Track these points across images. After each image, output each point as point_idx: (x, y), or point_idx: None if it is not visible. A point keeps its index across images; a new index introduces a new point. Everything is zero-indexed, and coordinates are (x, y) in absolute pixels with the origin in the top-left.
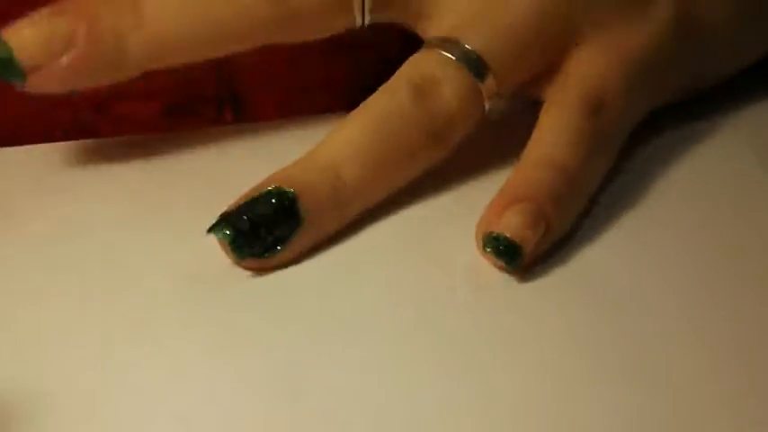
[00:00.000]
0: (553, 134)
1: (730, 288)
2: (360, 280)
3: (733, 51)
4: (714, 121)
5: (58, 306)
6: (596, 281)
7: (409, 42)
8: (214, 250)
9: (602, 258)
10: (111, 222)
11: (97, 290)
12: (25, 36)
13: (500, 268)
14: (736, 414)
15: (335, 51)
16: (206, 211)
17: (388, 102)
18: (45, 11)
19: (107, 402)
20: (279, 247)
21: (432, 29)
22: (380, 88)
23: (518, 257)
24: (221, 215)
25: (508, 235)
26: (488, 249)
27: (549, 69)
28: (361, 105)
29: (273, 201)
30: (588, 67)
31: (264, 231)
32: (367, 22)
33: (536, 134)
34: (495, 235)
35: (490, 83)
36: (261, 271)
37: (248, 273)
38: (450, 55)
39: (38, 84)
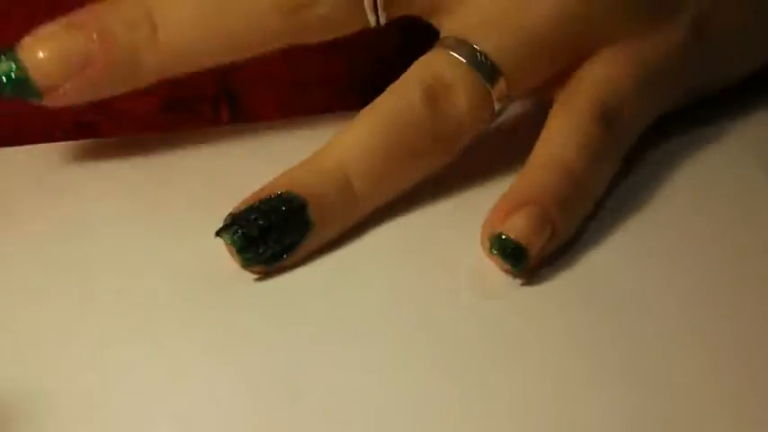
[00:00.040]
0: (562, 137)
1: (733, 291)
2: (362, 282)
3: (743, 56)
4: (719, 125)
5: (58, 306)
6: (601, 284)
7: (408, 41)
8: (214, 250)
9: (606, 262)
10: (111, 222)
11: (97, 290)
12: (40, 55)
13: (505, 271)
14: (737, 415)
15: (333, 50)
16: (206, 212)
17: (397, 103)
18: (58, 25)
19: (107, 402)
20: (286, 256)
21: (448, 24)
22: (390, 89)
23: (524, 260)
24: (229, 217)
25: (514, 237)
26: (495, 251)
27: (561, 73)
28: (370, 106)
29: (284, 208)
30: (601, 73)
31: (273, 239)
32: (383, 21)
33: (544, 136)
34: (502, 237)
35: (501, 87)
36: (264, 274)
37: (250, 273)
38: (461, 58)
39: (54, 100)
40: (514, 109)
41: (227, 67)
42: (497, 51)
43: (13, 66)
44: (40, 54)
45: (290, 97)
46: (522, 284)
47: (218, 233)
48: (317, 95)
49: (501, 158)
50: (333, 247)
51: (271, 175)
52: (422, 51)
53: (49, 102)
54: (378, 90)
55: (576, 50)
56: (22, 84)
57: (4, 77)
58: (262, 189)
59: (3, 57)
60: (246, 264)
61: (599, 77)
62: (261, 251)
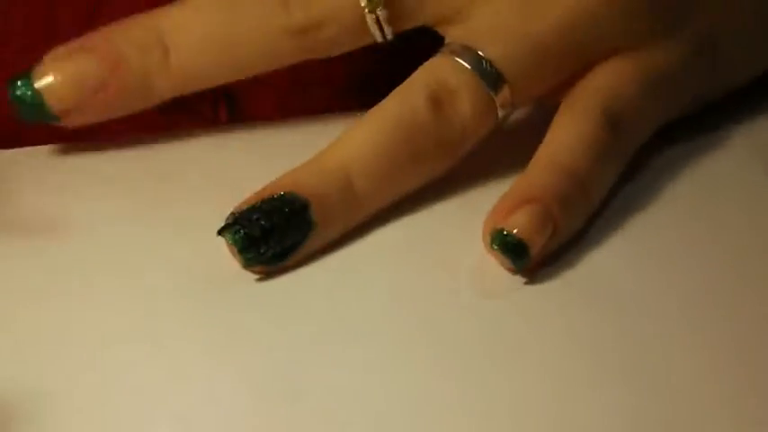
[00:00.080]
0: (567, 138)
1: (733, 293)
2: (363, 281)
3: (749, 61)
4: (721, 129)
5: (58, 306)
6: (602, 285)
7: (408, 41)
8: (215, 250)
9: (607, 262)
10: (111, 222)
11: (97, 289)
12: (54, 81)
13: (506, 268)
14: (737, 415)
15: None
16: (207, 211)
17: (401, 107)
18: (71, 48)
19: (107, 402)
20: (287, 256)
21: (454, 31)
22: (394, 92)
23: (525, 257)
24: (231, 216)
25: (515, 233)
26: (496, 246)
27: (566, 81)
28: (374, 108)
29: (286, 208)
30: (607, 79)
31: (275, 240)
32: (389, 36)
33: (549, 137)
34: (503, 232)
35: (505, 94)
36: (265, 274)
37: (251, 273)
38: (466, 64)
39: (72, 121)
40: (519, 110)
41: None
42: (502, 59)
43: (29, 92)
44: (54, 79)
45: (289, 97)
46: (524, 284)
47: (219, 232)
48: (316, 96)
49: (504, 159)
50: (334, 246)
51: (271, 174)
52: (422, 52)
53: (68, 123)
54: (377, 91)
55: (582, 60)
56: (38, 109)
57: (20, 104)
58: (264, 189)
59: (18, 83)
60: (248, 264)
61: (605, 82)
62: (262, 251)
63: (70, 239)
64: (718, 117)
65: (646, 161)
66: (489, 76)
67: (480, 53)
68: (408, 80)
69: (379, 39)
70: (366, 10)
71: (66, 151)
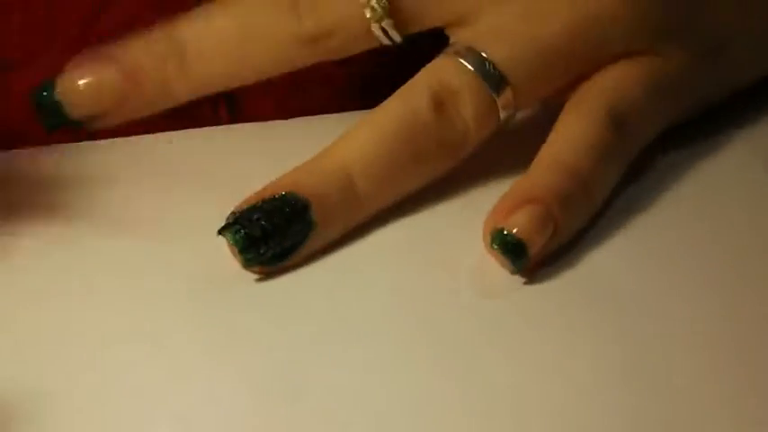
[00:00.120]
0: (571, 138)
1: (733, 293)
2: (364, 281)
3: (755, 63)
4: (722, 130)
5: (58, 306)
6: (602, 285)
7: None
8: (215, 250)
9: (608, 262)
10: (111, 222)
11: (97, 290)
12: (76, 90)
13: (506, 267)
14: (737, 415)
15: None
16: (207, 211)
17: (404, 108)
18: (91, 58)
19: (107, 402)
20: (287, 257)
21: (460, 33)
22: (397, 93)
23: (524, 257)
24: (232, 215)
25: (515, 233)
26: (495, 246)
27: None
28: (376, 109)
29: (287, 209)
30: (613, 80)
31: (275, 241)
32: (398, 40)
33: (553, 137)
34: (503, 232)
35: (507, 96)
36: (265, 274)
37: (251, 273)
38: (469, 65)
39: (95, 126)
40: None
41: None
42: (506, 61)
43: (52, 99)
44: (76, 88)
45: (289, 98)
46: (524, 284)
47: (220, 232)
48: (316, 96)
49: (506, 159)
50: (334, 246)
51: (271, 174)
52: (423, 53)
53: (90, 128)
54: (377, 92)
55: (586, 64)
56: (60, 115)
57: (44, 111)
58: (265, 188)
59: (41, 91)
60: (247, 264)
61: (611, 83)
62: (262, 252)
63: (70, 239)
64: (718, 117)
65: (645, 161)
66: (492, 78)
67: (484, 55)
68: (411, 81)
69: (388, 43)
70: (371, 21)
71: (66, 151)
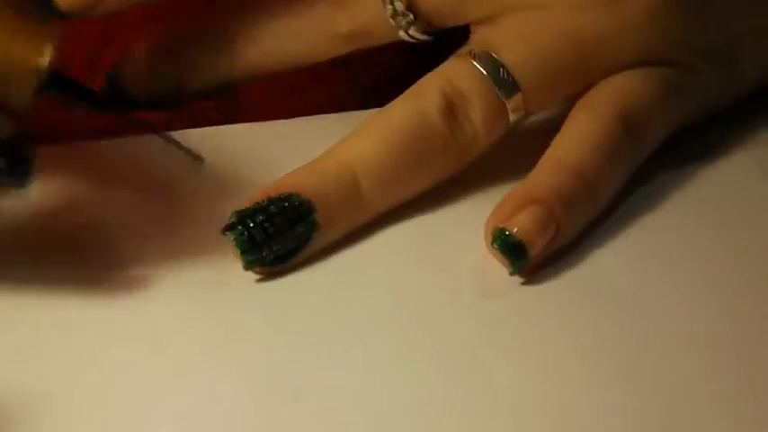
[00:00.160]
0: (580, 140)
1: (734, 294)
2: (364, 281)
3: (764, 69)
4: (721, 133)
5: (58, 306)
6: (603, 285)
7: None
8: (215, 250)
9: (609, 263)
10: (111, 222)
11: (97, 289)
12: None
13: (506, 267)
14: (737, 415)
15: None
16: (207, 211)
17: (413, 110)
18: None
19: (107, 402)
20: (289, 258)
21: (478, 30)
22: (406, 93)
23: (524, 258)
24: (235, 214)
25: (516, 234)
26: (496, 246)
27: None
28: (384, 109)
29: (290, 211)
30: (625, 82)
31: (277, 243)
32: (426, 39)
33: (560, 137)
34: (504, 232)
35: (518, 101)
36: (266, 275)
37: (251, 273)
38: (482, 69)
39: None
40: None
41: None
42: (520, 67)
43: None
44: None
45: (288, 97)
46: (525, 284)
47: (223, 231)
48: (315, 95)
49: (512, 159)
50: (335, 246)
51: (272, 174)
52: (424, 61)
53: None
54: (376, 97)
55: (600, 74)
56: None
57: None
58: (268, 188)
59: None
60: (249, 266)
61: (621, 86)
62: (264, 254)
63: (70, 239)
64: (718, 120)
65: (646, 163)
66: (504, 82)
67: (498, 59)
68: (422, 81)
69: (417, 41)
70: (398, 30)
71: (65, 152)
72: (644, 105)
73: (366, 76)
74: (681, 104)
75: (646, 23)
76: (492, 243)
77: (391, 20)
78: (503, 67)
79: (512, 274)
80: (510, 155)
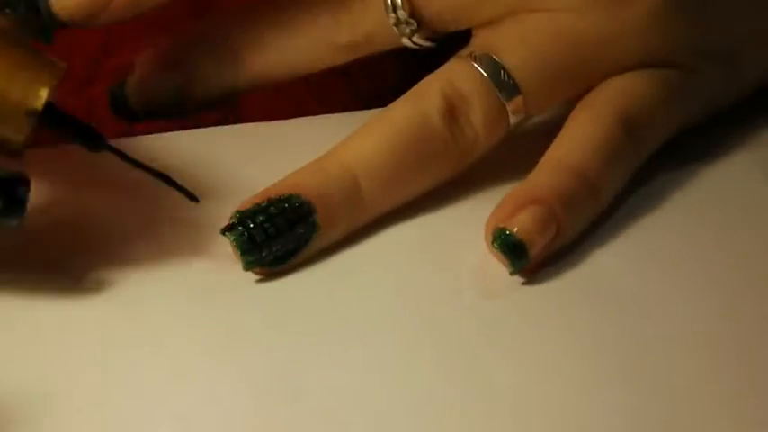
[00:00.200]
0: (581, 140)
1: (734, 294)
2: (364, 282)
3: (761, 71)
4: (722, 135)
5: (58, 306)
6: (604, 285)
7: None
8: (216, 250)
9: (609, 263)
10: (111, 222)
11: (97, 290)
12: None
13: (506, 267)
14: (737, 415)
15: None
16: (207, 211)
17: (414, 112)
18: None
19: (107, 402)
20: (289, 259)
21: (479, 33)
22: (407, 95)
23: (524, 258)
24: (236, 215)
25: (517, 234)
26: (496, 245)
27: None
28: (384, 111)
29: (291, 212)
30: (626, 84)
31: (277, 244)
32: (430, 45)
33: (561, 138)
34: (506, 232)
35: (518, 103)
36: (266, 275)
37: (251, 273)
38: (483, 72)
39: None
40: None
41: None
42: (520, 69)
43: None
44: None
45: (291, 111)
46: (526, 284)
47: (223, 231)
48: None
49: (513, 160)
50: (335, 246)
51: (272, 174)
52: (425, 68)
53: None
54: (377, 106)
55: (601, 77)
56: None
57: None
58: (269, 189)
59: None
60: (249, 266)
61: (622, 87)
62: (264, 254)
63: (70, 239)
64: (719, 121)
65: (647, 163)
66: (505, 85)
67: (499, 61)
68: (423, 83)
69: (411, 45)
70: (401, 37)
71: (65, 152)
72: (645, 107)
73: (367, 85)
74: (682, 106)
75: (647, 27)
76: (492, 243)
77: (395, 28)
78: (503, 69)
79: (512, 273)
80: (510, 155)
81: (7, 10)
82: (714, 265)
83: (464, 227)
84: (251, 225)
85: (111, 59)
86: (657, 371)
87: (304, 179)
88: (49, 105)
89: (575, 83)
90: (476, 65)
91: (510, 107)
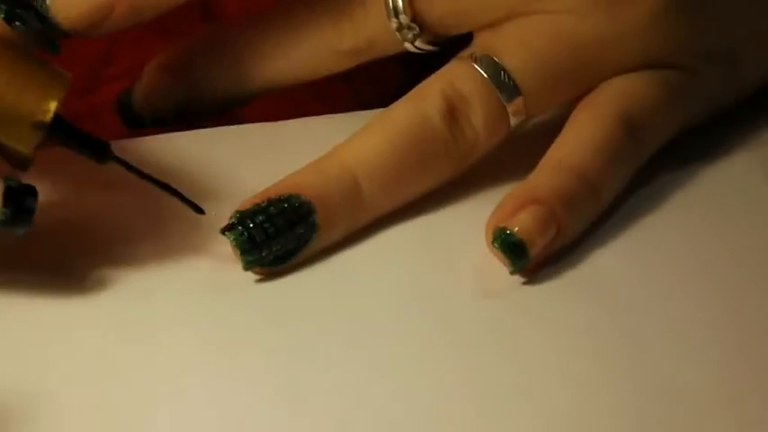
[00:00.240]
0: (582, 140)
1: (735, 294)
2: (364, 282)
3: (762, 71)
4: (723, 135)
5: (58, 306)
6: (605, 285)
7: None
8: (215, 249)
9: (611, 263)
10: (111, 222)
11: (97, 290)
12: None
13: (506, 267)
14: (739, 415)
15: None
16: (207, 210)
17: (414, 113)
18: None
19: (107, 402)
20: (289, 259)
21: (483, 34)
22: (408, 96)
23: (524, 258)
24: (236, 214)
25: (517, 233)
26: (496, 245)
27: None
28: (385, 111)
29: (290, 212)
30: (627, 84)
31: (277, 244)
32: (432, 49)
33: (562, 138)
34: (505, 231)
35: (518, 105)
36: (266, 275)
37: (251, 273)
38: (484, 73)
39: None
40: None
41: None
42: (521, 71)
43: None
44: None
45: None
46: (526, 284)
47: (223, 231)
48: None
49: (514, 160)
50: (335, 246)
51: (271, 174)
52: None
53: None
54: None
55: (602, 78)
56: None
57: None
58: (269, 189)
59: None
60: (248, 266)
61: (623, 89)
62: (264, 254)
63: (69, 240)
64: (720, 121)
65: (648, 163)
66: (505, 86)
67: (500, 62)
68: (424, 84)
69: (413, 50)
70: (404, 42)
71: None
72: (646, 108)
73: (368, 90)
74: (683, 107)
75: (647, 28)
76: (492, 242)
77: (397, 33)
78: (504, 70)
79: (512, 273)
80: (511, 156)
81: (17, 23)
82: (715, 265)
83: (464, 227)
84: (251, 225)
85: (113, 67)
86: (658, 370)
87: (304, 179)
88: (56, 118)
89: (575, 84)
90: (476, 66)
91: (510, 108)
